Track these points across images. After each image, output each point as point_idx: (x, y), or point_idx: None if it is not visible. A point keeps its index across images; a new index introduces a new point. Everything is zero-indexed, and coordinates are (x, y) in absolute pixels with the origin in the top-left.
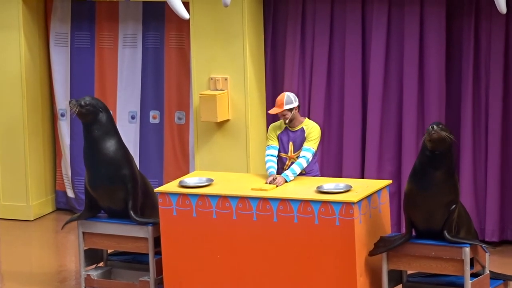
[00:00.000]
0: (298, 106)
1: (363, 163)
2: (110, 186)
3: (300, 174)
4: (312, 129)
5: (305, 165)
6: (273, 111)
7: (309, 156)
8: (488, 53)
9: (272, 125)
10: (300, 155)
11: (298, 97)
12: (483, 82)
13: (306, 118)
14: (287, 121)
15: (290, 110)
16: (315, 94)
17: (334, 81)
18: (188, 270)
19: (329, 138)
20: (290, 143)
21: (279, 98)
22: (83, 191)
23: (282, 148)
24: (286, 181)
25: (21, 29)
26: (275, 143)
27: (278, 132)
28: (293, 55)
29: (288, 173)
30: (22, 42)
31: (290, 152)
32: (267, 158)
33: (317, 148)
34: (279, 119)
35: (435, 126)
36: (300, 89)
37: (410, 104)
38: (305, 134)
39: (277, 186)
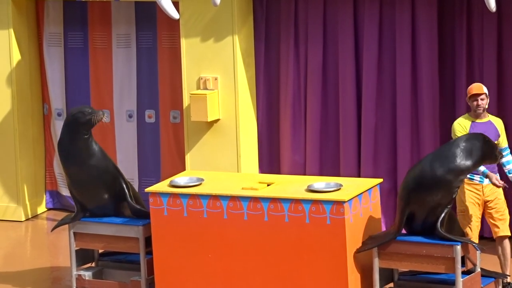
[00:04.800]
0: None
1: (359, 162)
2: (99, 184)
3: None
4: (502, 124)
5: None
6: (477, 91)
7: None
8: (481, 51)
9: (458, 121)
10: (508, 153)
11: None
12: (477, 80)
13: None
14: (486, 106)
15: (487, 96)
16: (311, 94)
17: (329, 81)
18: (179, 269)
19: (326, 137)
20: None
21: (477, 84)
22: None
23: None
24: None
25: (11, 29)
26: None
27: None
28: (287, 55)
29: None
30: (12, 42)
31: None
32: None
33: None
34: None
35: None
36: (295, 88)
37: (404, 103)
38: (500, 129)
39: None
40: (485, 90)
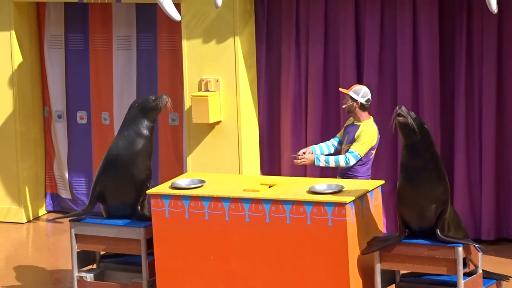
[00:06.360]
0: (362, 104)
1: None
2: (133, 181)
3: (347, 176)
4: (364, 132)
5: (342, 164)
6: (342, 89)
7: (351, 158)
8: (481, 52)
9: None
10: (346, 154)
11: (362, 98)
12: (476, 81)
13: (370, 118)
14: (343, 106)
15: (352, 99)
16: (312, 96)
17: (330, 82)
18: (181, 271)
19: (327, 138)
20: (347, 135)
21: (355, 84)
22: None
23: (343, 140)
24: (314, 163)
25: (12, 31)
26: (340, 134)
27: (347, 124)
28: (288, 57)
29: (321, 157)
30: (14, 44)
31: (344, 143)
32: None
33: (366, 154)
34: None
35: (403, 108)
36: (296, 90)
37: (405, 104)
38: (356, 134)
39: (300, 163)
40: (352, 92)
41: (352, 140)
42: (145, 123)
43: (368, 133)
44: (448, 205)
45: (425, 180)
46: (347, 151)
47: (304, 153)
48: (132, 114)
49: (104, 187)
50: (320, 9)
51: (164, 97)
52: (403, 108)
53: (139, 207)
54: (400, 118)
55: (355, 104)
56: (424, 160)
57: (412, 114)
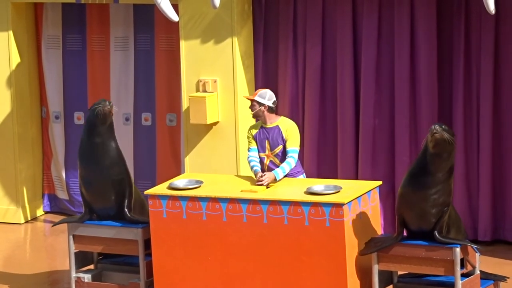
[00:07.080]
0: (269, 107)
1: (357, 164)
2: (108, 185)
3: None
4: (291, 129)
5: (292, 165)
6: (246, 96)
7: (295, 155)
8: (479, 52)
9: (250, 126)
10: (288, 156)
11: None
12: (474, 82)
13: (282, 116)
14: (251, 112)
15: (259, 104)
16: (308, 96)
17: (327, 82)
18: (178, 272)
19: (324, 139)
20: (267, 141)
21: (259, 89)
22: (79, 192)
23: (260, 148)
24: (275, 179)
25: (10, 32)
26: (254, 145)
27: (254, 132)
28: (286, 57)
29: (278, 171)
30: (12, 45)
31: (268, 150)
32: (249, 159)
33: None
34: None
35: (437, 126)
36: (294, 90)
37: (402, 105)
38: (284, 134)
39: (266, 184)
40: (258, 97)
41: (278, 142)
42: (97, 130)
43: (294, 128)
44: (448, 208)
45: (432, 188)
46: (280, 154)
47: (263, 175)
48: (85, 123)
49: (83, 194)
50: (317, 10)
51: (106, 103)
52: (436, 126)
53: (126, 210)
54: (437, 135)
55: (262, 108)
56: (441, 169)
57: (444, 127)
